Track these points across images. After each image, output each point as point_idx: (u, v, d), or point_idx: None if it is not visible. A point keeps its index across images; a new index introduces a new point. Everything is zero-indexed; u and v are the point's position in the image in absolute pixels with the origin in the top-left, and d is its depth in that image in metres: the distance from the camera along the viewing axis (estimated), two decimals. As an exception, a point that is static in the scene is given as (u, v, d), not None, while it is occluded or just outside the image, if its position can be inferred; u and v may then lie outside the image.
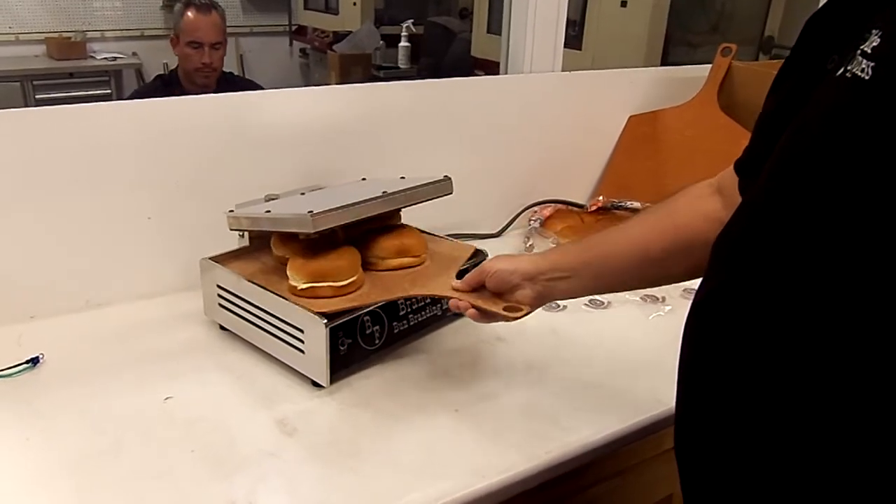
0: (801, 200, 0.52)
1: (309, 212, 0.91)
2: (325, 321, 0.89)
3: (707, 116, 1.56)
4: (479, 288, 0.89)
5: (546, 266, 0.86)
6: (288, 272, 0.96)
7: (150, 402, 0.91)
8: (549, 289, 0.86)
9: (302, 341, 0.93)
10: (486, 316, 0.86)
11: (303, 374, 0.95)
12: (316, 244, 0.98)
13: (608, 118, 1.64)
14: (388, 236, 1.05)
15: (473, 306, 0.86)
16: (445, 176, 1.10)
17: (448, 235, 1.19)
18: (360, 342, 0.95)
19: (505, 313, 0.84)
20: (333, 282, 0.94)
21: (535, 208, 1.55)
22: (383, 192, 1.00)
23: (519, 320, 0.84)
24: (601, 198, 1.54)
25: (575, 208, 1.57)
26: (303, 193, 1.14)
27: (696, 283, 1.35)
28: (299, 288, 0.94)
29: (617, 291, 0.87)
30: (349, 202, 0.97)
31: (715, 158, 1.60)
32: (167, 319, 1.11)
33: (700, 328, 0.63)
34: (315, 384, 0.94)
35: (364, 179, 1.24)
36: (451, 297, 0.89)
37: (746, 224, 0.59)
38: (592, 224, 1.51)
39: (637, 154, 1.64)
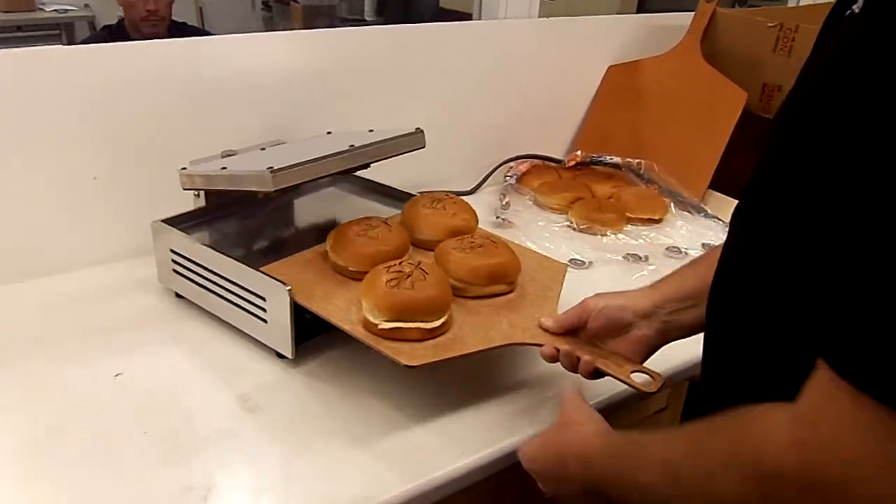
0: (798, 151, 0.48)
1: (269, 168, 0.83)
2: (289, 288, 0.81)
3: (690, 66, 1.49)
4: (574, 330, 0.78)
5: (663, 298, 0.74)
6: (363, 301, 0.80)
7: (99, 379, 0.83)
8: (672, 324, 0.74)
9: (264, 310, 0.85)
10: (597, 375, 0.75)
11: (266, 346, 0.88)
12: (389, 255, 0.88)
13: (586, 68, 1.57)
14: (476, 254, 0.88)
15: (596, 367, 0.74)
16: (417, 128, 1.02)
17: (421, 191, 1.11)
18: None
19: (638, 385, 0.72)
20: (423, 321, 0.78)
21: (511, 164, 1.48)
22: (350, 146, 0.92)
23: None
24: (579, 152, 1.48)
25: (552, 163, 1.50)
26: (263, 149, 1.06)
27: (679, 241, 1.32)
28: (379, 327, 0.78)
29: None
30: (313, 157, 0.89)
31: (697, 110, 1.55)
32: (118, 288, 1.02)
33: (718, 295, 0.59)
34: (279, 355, 0.87)
35: (329, 133, 1.16)
36: (559, 348, 0.76)
37: (753, 180, 0.55)
38: (570, 180, 1.45)
39: (616, 106, 1.57)
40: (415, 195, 1.06)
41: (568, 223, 1.30)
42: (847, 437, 0.39)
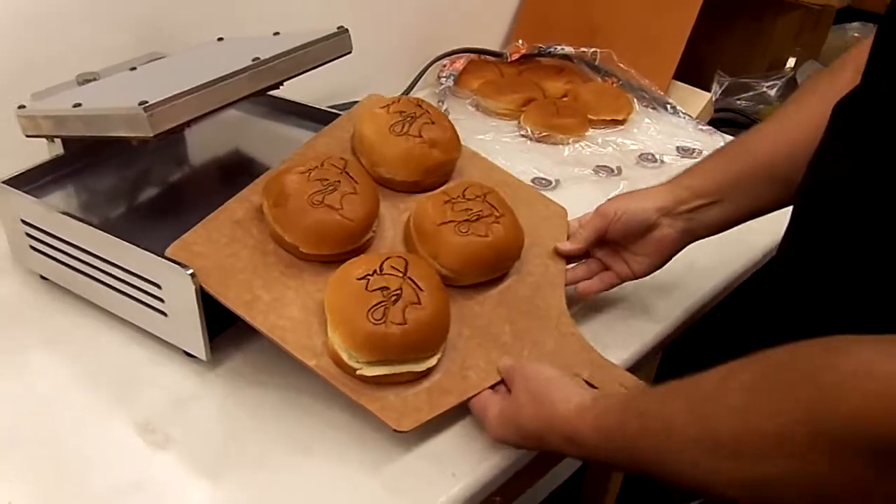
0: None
1: (142, 103, 0.58)
2: (190, 270, 0.59)
3: (644, -69, 1.27)
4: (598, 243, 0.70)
5: (686, 193, 0.66)
6: (332, 334, 0.58)
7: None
8: (696, 222, 0.67)
9: (161, 300, 0.63)
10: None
11: (171, 343, 0.66)
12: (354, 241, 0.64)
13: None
14: (476, 231, 0.65)
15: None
16: (340, 27, 0.78)
17: (333, 107, 0.88)
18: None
19: None
20: (416, 363, 0.58)
21: (444, 62, 1.25)
22: (254, 60, 0.68)
23: None
24: (521, 42, 1.26)
25: (492, 58, 1.28)
26: (134, 68, 0.79)
27: (651, 146, 1.14)
28: (359, 373, 0.57)
29: (775, 210, 0.65)
30: (204, 80, 0.64)
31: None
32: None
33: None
34: (190, 355, 0.65)
35: (222, 39, 0.89)
36: (577, 284, 0.70)
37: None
38: (515, 78, 1.23)
39: (558, -16, 1.34)
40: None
41: (521, 132, 1.10)
42: None
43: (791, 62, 1.40)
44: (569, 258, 0.71)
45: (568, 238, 0.72)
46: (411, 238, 0.67)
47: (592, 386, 0.60)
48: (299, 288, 0.62)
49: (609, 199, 0.70)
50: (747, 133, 0.68)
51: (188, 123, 0.63)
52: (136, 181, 0.79)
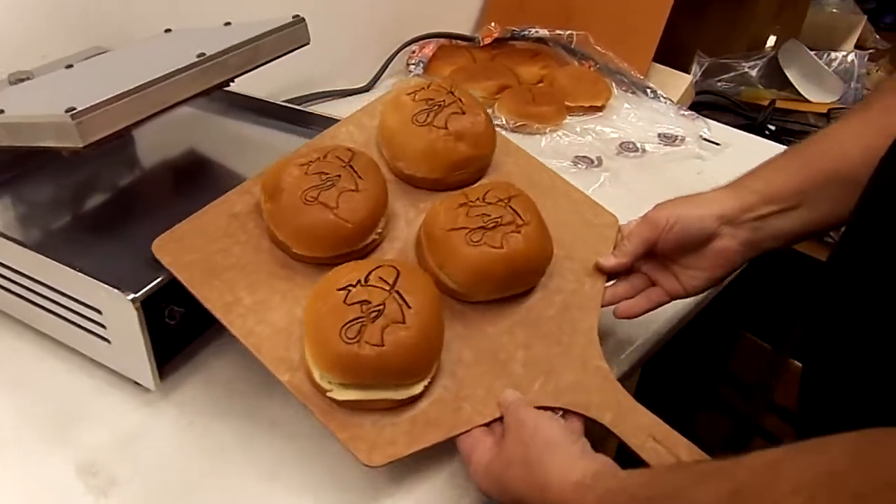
0: None
1: (69, 110, 0.52)
2: (132, 296, 0.53)
3: None
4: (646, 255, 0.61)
5: (754, 198, 0.58)
6: (306, 350, 0.52)
7: None
8: (764, 231, 0.58)
9: (103, 326, 0.57)
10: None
11: (116, 371, 0.60)
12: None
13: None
14: (491, 241, 0.56)
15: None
16: (296, 16, 0.72)
17: (293, 100, 0.82)
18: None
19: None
20: (396, 390, 0.52)
21: (413, 47, 1.19)
22: (200, 56, 0.61)
23: None
24: (493, 25, 1.20)
25: (463, 43, 1.22)
26: (71, 66, 0.72)
27: (632, 134, 1.09)
28: (329, 395, 0.51)
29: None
30: (143, 81, 0.57)
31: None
32: None
33: None
34: (138, 383, 0.59)
35: (169, 31, 0.82)
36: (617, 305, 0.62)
37: None
38: (488, 63, 1.18)
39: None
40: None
41: (496, 122, 1.05)
42: None
43: (771, 41, 1.36)
44: (610, 274, 0.62)
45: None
46: (421, 244, 0.60)
47: (612, 432, 0.52)
48: (288, 292, 0.56)
49: (659, 205, 0.60)
50: (820, 134, 0.60)
51: (126, 130, 0.56)
52: (79, 189, 0.72)
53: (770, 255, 0.60)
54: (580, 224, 0.65)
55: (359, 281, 0.52)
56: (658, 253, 0.60)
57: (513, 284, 0.58)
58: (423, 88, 0.66)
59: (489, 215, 0.57)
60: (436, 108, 0.64)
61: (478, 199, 0.59)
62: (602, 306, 0.60)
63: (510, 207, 0.58)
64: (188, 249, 0.55)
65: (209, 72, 0.61)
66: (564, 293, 0.60)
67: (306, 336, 0.52)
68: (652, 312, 0.62)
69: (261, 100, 0.83)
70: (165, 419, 0.57)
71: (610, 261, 0.61)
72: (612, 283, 0.62)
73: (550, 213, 0.61)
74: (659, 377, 0.71)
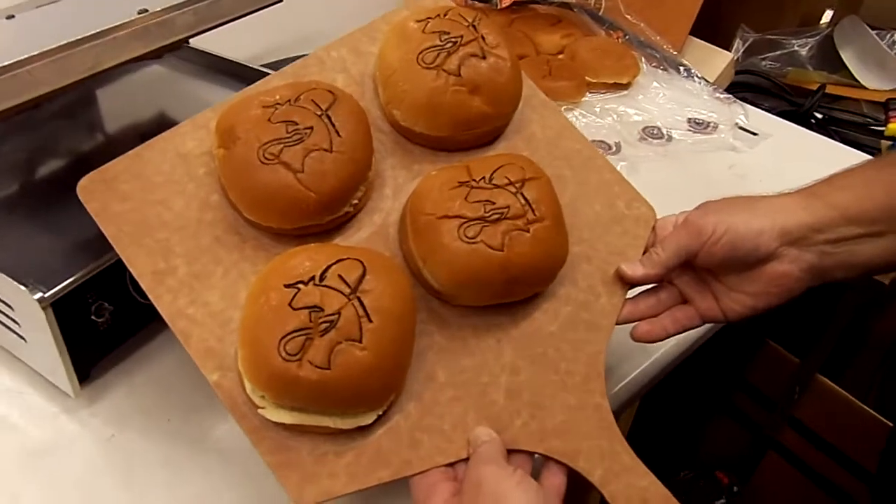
0: None
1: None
2: (40, 294, 0.46)
3: None
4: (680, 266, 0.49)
5: (832, 214, 0.46)
6: (240, 364, 0.43)
7: None
8: (837, 257, 0.47)
9: (17, 322, 0.50)
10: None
11: (36, 371, 0.53)
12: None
13: None
14: (489, 240, 0.46)
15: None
16: (268, -30, 0.63)
17: (271, 65, 0.73)
18: (138, 300, 0.52)
19: None
20: (342, 418, 0.43)
21: (425, 8, 1.08)
22: (141, 12, 0.53)
23: None
24: (515, -14, 1.09)
25: (479, 3, 1.11)
26: (12, 17, 0.64)
27: (658, 117, 0.98)
28: (260, 412, 0.43)
29: None
30: (77, 36, 0.50)
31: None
32: None
33: None
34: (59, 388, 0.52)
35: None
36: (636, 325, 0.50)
37: None
38: (505, 27, 1.07)
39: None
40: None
41: (507, 96, 0.95)
42: None
43: (827, 16, 1.23)
44: (633, 284, 0.51)
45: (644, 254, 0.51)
46: (406, 224, 0.49)
47: (599, 492, 0.44)
48: (233, 266, 0.46)
49: (705, 207, 0.49)
50: None
51: (47, 97, 0.49)
52: (19, 158, 0.65)
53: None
54: (607, 214, 0.53)
55: (312, 278, 0.42)
56: (697, 265, 0.49)
57: (510, 293, 0.48)
58: (439, 16, 0.52)
59: (493, 203, 0.46)
60: (449, 45, 0.50)
61: (483, 178, 0.48)
62: (616, 323, 0.50)
63: (521, 195, 0.47)
64: (120, 196, 0.45)
65: (152, 32, 0.53)
66: (573, 305, 0.50)
67: (240, 338, 0.43)
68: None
69: (236, 62, 0.74)
70: (85, 431, 0.51)
71: (636, 270, 0.49)
72: (633, 295, 0.51)
73: (573, 193, 0.51)
74: (672, 380, 0.62)
